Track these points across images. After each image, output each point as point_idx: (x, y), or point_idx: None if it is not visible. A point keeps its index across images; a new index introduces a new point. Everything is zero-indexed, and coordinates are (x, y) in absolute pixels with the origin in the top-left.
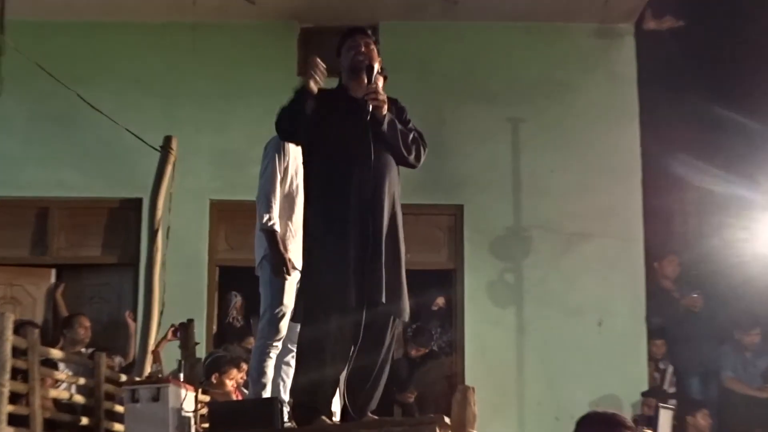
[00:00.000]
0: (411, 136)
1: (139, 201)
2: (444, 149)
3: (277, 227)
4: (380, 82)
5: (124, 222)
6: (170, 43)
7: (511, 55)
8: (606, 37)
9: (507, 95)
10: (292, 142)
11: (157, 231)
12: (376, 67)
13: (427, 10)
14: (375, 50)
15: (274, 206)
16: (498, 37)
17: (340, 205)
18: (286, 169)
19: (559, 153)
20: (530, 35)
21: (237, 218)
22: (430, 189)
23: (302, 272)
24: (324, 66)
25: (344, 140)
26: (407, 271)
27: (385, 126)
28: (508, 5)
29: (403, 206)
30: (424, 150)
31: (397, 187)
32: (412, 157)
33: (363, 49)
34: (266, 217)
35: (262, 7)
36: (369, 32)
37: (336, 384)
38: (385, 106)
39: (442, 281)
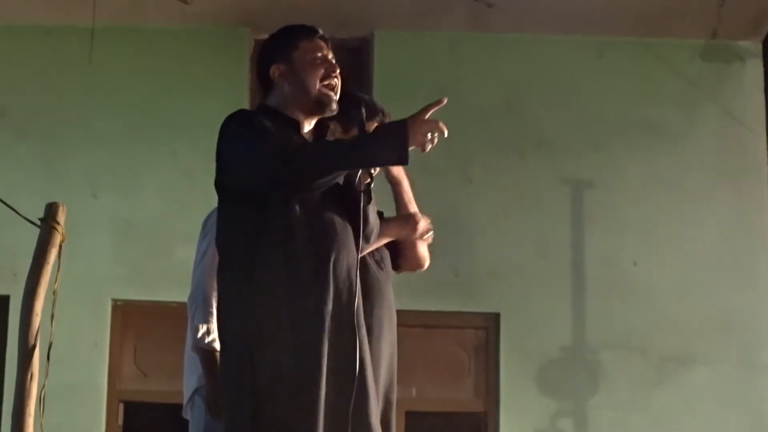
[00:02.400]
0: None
1: (4, 301)
2: (471, 224)
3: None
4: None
5: None
6: (54, 56)
7: (574, 85)
8: (719, 59)
9: (567, 144)
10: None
11: (33, 348)
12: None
13: (446, 15)
14: None
15: (215, 313)
16: (554, 57)
17: (311, 312)
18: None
19: (646, 235)
20: (603, 56)
21: (153, 329)
22: (450, 287)
23: (251, 417)
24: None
25: (313, 209)
26: (412, 414)
27: (372, 201)
28: (569, 11)
29: (410, 314)
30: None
31: None
32: (368, 246)
33: (336, 71)
34: (202, 330)
35: (199, 8)
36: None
37: None
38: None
39: (466, 430)
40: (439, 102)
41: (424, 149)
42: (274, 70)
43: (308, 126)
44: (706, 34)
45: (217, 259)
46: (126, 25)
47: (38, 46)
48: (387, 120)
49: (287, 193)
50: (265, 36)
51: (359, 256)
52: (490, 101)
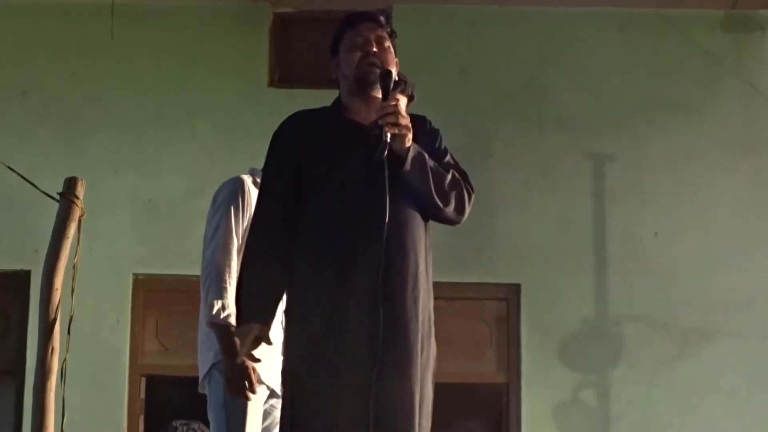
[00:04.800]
0: (449, 177)
1: (25, 276)
2: (492, 199)
3: (235, 321)
4: (401, 102)
5: (1, 308)
6: (75, 34)
7: (594, 59)
8: (739, 29)
9: (587, 119)
10: None
11: (53, 322)
12: (394, 73)
13: None
14: (392, 49)
15: (229, 288)
16: (574, 31)
17: (337, 290)
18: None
19: (667, 207)
20: (623, 30)
21: (175, 303)
22: (471, 260)
23: (283, 397)
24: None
25: (343, 188)
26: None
27: (408, 164)
28: None
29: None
30: (470, 197)
31: (427, 257)
32: (450, 209)
33: (374, 49)
34: (217, 306)
35: None
36: (382, 20)
37: None
38: (410, 135)
39: (487, 402)
40: None
41: None
42: (332, 65)
43: (366, 108)
44: (726, 5)
45: (229, 235)
46: (146, 2)
47: (58, 25)
48: (410, 90)
49: None
50: (285, 10)
51: (451, 223)
52: (509, 76)
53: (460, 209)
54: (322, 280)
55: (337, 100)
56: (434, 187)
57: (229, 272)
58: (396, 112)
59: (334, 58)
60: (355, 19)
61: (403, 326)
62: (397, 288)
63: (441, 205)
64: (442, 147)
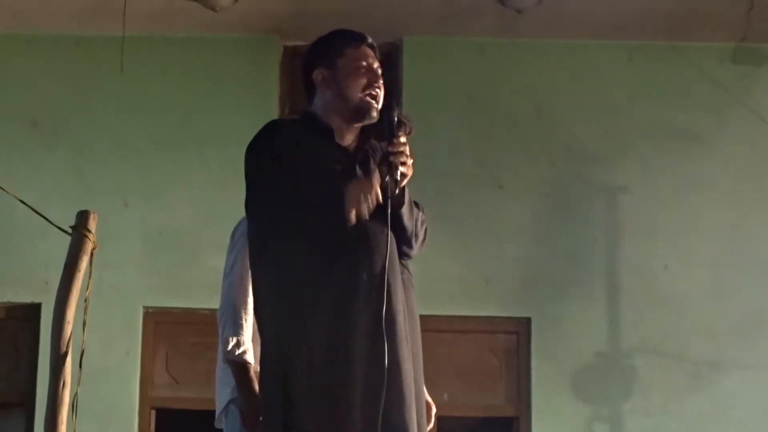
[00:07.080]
0: (421, 214)
1: (36, 309)
2: (500, 231)
3: (251, 357)
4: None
5: (12, 340)
6: (85, 66)
7: (603, 90)
8: (749, 62)
9: (598, 151)
10: None
11: (65, 356)
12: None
13: (475, 21)
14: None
15: (245, 325)
16: (583, 62)
17: (342, 320)
18: None
19: (678, 239)
20: (633, 61)
21: (185, 336)
22: (480, 294)
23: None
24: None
25: (338, 223)
26: (443, 419)
27: (406, 204)
28: (597, 16)
29: (441, 320)
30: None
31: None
32: (417, 246)
33: (380, 81)
34: (233, 342)
35: (229, 16)
36: (376, 47)
37: None
38: (411, 173)
39: None
40: None
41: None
42: (318, 75)
43: (348, 133)
44: (736, 38)
45: (245, 271)
46: (156, 34)
47: (68, 56)
48: (412, 132)
49: None
50: (296, 43)
51: (408, 258)
52: (519, 107)
53: (420, 246)
54: (327, 307)
55: (314, 115)
56: (415, 225)
57: (245, 309)
58: (404, 152)
59: (322, 67)
60: (357, 39)
61: (399, 361)
62: (394, 323)
63: (414, 243)
64: None
